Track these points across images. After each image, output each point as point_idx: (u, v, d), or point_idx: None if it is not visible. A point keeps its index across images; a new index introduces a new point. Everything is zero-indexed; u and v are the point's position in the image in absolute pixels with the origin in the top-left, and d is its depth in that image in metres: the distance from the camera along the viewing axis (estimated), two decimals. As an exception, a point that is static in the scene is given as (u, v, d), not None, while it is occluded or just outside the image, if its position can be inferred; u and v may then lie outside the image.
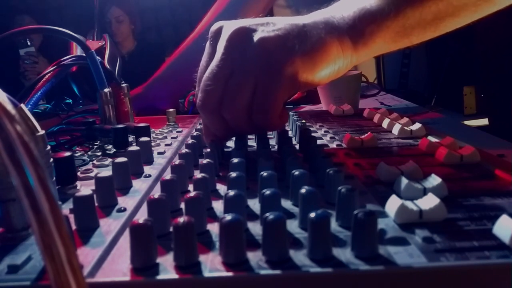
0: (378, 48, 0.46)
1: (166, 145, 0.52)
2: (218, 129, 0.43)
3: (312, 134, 0.46)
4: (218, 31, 0.43)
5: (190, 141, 0.44)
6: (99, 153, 0.50)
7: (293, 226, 0.28)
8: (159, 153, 0.47)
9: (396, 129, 0.52)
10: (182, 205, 0.31)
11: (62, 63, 0.64)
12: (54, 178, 0.32)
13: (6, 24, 1.75)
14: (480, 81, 2.28)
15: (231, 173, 0.33)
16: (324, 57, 0.42)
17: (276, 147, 0.49)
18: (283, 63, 0.39)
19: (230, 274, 0.22)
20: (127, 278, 0.22)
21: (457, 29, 0.47)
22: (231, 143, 0.50)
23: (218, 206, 0.32)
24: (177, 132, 0.60)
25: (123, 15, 2.04)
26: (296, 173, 0.32)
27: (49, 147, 0.31)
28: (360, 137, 0.47)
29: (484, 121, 2.32)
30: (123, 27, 2.05)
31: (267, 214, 0.23)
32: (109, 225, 0.29)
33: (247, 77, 0.39)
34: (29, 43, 1.72)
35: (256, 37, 0.40)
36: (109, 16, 2.01)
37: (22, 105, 0.28)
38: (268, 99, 0.39)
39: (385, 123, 0.56)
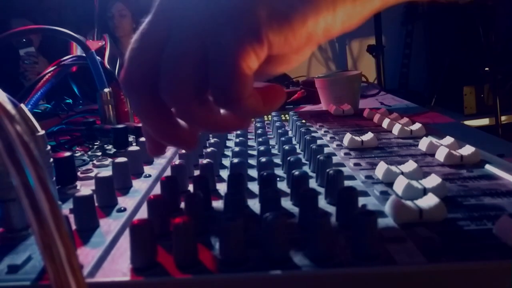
0: None
1: (166, 145, 0.52)
2: (155, 124, 0.29)
3: (313, 135, 0.46)
4: None
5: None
6: (99, 153, 0.50)
7: (293, 226, 0.28)
8: (159, 153, 0.47)
9: (396, 129, 0.52)
10: (182, 205, 0.31)
11: (62, 63, 0.65)
12: (54, 178, 0.32)
13: (4, 26, 1.75)
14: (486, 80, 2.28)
15: (231, 173, 0.33)
16: None
17: (276, 146, 0.49)
18: (228, 7, 0.26)
19: (230, 274, 0.22)
20: (127, 278, 0.22)
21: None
22: (230, 143, 0.50)
23: (218, 206, 0.32)
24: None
25: (125, 9, 2.06)
26: (296, 173, 0.32)
27: (49, 147, 0.31)
28: (360, 137, 0.47)
29: (484, 121, 2.32)
30: (125, 22, 2.07)
31: (267, 214, 0.23)
32: (109, 225, 0.29)
33: (189, 44, 0.26)
34: (24, 42, 1.72)
35: None
36: (113, 10, 2.03)
37: (22, 105, 0.28)
38: (226, 63, 0.25)
39: (385, 123, 0.56)
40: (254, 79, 0.29)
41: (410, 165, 0.36)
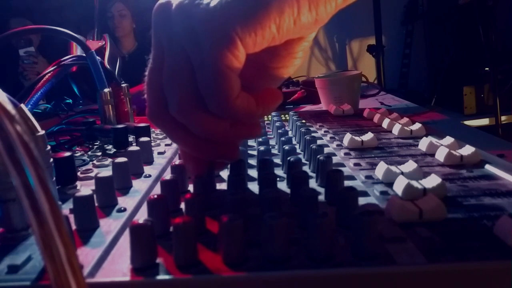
0: None
1: (166, 145, 0.52)
2: (186, 142, 0.32)
3: (313, 135, 0.46)
4: None
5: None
6: (99, 153, 0.50)
7: (293, 226, 0.28)
8: (159, 153, 0.47)
9: (396, 129, 0.52)
10: (182, 205, 0.31)
11: (62, 63, 0.65)
12: (54, 178, 0.32)
13: (3, 26, 1.75)
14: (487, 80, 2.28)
15: (230, 174, 0.33)
16: None
17: (276, 146, 0.49)
18: (202, 19, 0.28)
19: (230, 274, 0.22)
20: (127, 278, 0.22)
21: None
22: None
23: (218, 205, 0.32)
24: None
25: (125, 9, 2.06)
26: (296, 172, 0.32)
27: (49, 147, 0.31)
28: (360, 137, 0.47)
29: (484, 121, 2.32)
30: (125, 22, 2.07)
31: (267, 214, 0.23)
32: (109, 225, 0.29)
33: (177, 58, 0.29)
34: (24, 42, 1.72)
35: (175, 2, 0.30)
36: (113, 10, 2.03)
37: (22, 105, 0.28)
38: (207, 67, 0.28)
39: (385, 123, 0.56)
40: (264, 85, 0.32)
41: (410, 165, 0.36)
